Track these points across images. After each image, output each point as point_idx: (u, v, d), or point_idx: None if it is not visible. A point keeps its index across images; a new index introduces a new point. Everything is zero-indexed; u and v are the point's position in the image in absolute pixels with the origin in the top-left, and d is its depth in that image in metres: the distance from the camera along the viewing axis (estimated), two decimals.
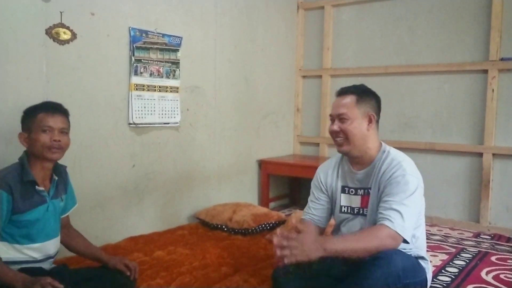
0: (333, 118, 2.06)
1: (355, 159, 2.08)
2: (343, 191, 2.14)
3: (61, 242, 2.13)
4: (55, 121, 1.92)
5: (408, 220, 1.84)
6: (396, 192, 1.88)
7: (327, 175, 2.19)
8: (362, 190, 2.07)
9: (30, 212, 1.88)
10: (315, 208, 2.18)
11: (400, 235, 1.80)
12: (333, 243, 1.80)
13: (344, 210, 2.12)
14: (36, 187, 1.91)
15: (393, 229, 1.80)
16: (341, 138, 2.03)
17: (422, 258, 2.05)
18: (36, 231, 1.91)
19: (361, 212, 2.06)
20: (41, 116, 1.91)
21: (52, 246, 2.00)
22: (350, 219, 2.10)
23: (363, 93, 2.06)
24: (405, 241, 1.84)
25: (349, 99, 2.03)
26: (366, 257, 1.81)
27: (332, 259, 2.12)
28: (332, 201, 2.18)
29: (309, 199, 2.24)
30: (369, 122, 2.02)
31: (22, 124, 1.97)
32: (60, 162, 2.10)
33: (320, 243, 1.76)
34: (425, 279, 2.00)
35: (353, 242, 1.81)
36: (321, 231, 2.21)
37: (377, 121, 2.08)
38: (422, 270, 1.99)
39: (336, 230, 2.21)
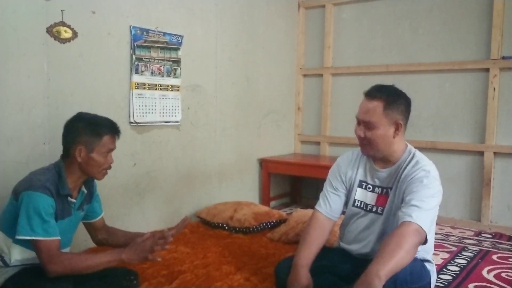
0: (359, 121, 2.01)
1: (378, 159, 2.06)
2: (360, 185, 2.12)
3: (104, 243, 2.16)
4: (115, 144, 1.97)
5: (427, 215, 1.80)
6: (418, 190, 1.85)
7: (348, 166, 2.16)
8: (380, 189, 2.06)
9: (60, 221, 1.87)
10: (332, 199, 2.13)
11: (421, 227, 1.75)
12: (386, 273, 1.68)
13: (357, 205, 2.11)
14: (69, 198, 1.91)
15: (414, 223, 1.75)
16: (365, 143, 2.01)
17: (428, 261, 2.04)
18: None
19: (374, 210, 2.05)
20: (108, 139, 1.93)
21: None
22: (361, 215, 2.09)
23: (392, 99, 1.96)
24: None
25: (377, 105, 1.94)
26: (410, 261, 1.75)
27: (333, 255, 2.13)
28: (348, 193, 2.15)
29: (325, 188, 2.19)
30: (396, 129, 1.96)
31: (79, 136, 1.89)
32: None
33: (377, 282, 1.64)
34: (429, 282, 2.00)
35: (390, 259, 1.70)
36: (331, 226, 2.15)
37: (405, 125, 2.01)
38: (427, 273, 1.99)
39: (345, 224, 2.20)
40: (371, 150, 2.00)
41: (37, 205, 1.75)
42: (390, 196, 2.00)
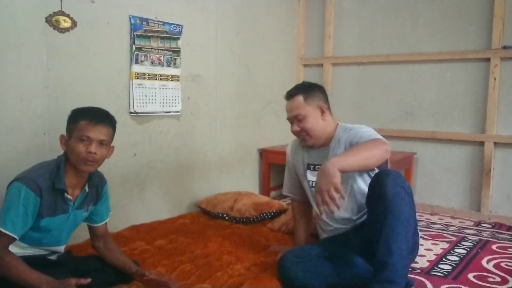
0: (291, 120, 2.27)
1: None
2: (308, 168, 2.34)
3: (97, 251, 2.10)
4: (95, 132, 1.82)
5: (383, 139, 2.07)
6: (358, 133, 2.14)
7: (294, 154, 2.45)
8: None
9: (49, 218, 1.81)
10: (293, 185, 2.49)
11: (384, 140, 2.03)
12: (343, 161, 1.89)
13: (312, 185, 2.30)
14: (65, 194, 1.84)
15: (378, 138, 2.05)
16: (304, 135, 2.25)
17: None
18: (49, 238, 1.87)
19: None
20: (83, 124, 1.81)
21: (60, 249, 1.97)
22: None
23: (308, 90, 2.25)
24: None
25: (298, 100, 2.23)
26: (374, 163, 2.00)
27: (332, 244, 2.18)
28: (300, 177, 2.40)
29: (285, 175, 2.54)
30: (322, 112, 2.24)
31: (67, 126, 1.88)
32: (61, 151, 2.09)
33: (332, 170, 1.83)
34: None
35: (350, 154, 1.96)
36: (307, 205, 2.48)
37: (328, 108, 2.30)
38: (416, 244, 2.28)
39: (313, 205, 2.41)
40: (311, 139, 2.24)
41: (18, 198, 1.71)
42: None
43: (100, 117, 1.87)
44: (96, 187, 2.00)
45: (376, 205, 1.93)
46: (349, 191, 2.20)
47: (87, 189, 1.93)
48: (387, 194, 1.88)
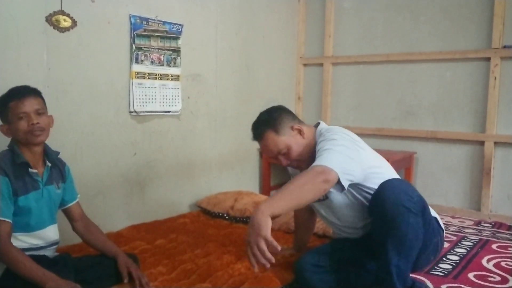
0: (273, 156, 2.12)
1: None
2: None
3: (79, 235, 2.14)
4: (27, 105, 1.87)
5: (335, 157, 1.80)
6: (319, 150, 1.89)
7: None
8: None
9: (24, 197, 1.87)
10: None
11: (326, 166, 1.73)
12: (273, 207, 1.70)
13: None
14: (29, 169, 1.90)
15: (318, 165, 1.76)
16: (295, 164, 2.11)
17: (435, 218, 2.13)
18: (33, 219, 1.91)
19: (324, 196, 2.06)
20: (13, 105, 1.87)
21: (50, 233, 1.99)
22: (322, 203, 2.15)
23: (273, 120, 2.10)
24: (340, 184, 1.77)
25: (270, 137, 2.08)
26: (309, 199, 1.77)
27: (344, 250, 2.16)
28: None
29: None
30: (299, 132, 2.09)
31: (1, 117, 1.94)
32: (61, 150, 2.10)
33: (261, 219, 1.64)
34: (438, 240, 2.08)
35: (276, 196, 1.75)
36: (310, 209, 2.33)
37: (299, 121, 2.15)
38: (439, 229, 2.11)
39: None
40: (304, 162, 2.06)
41: None
42: None
43: (24, 91, 1.91)
44: (56, 164, 2.05)
45: (379, 224, 1.86)
46: (341, 209, 2.10)
47: (49, 164, 1.99)
48: (387, 216, 1.78)
